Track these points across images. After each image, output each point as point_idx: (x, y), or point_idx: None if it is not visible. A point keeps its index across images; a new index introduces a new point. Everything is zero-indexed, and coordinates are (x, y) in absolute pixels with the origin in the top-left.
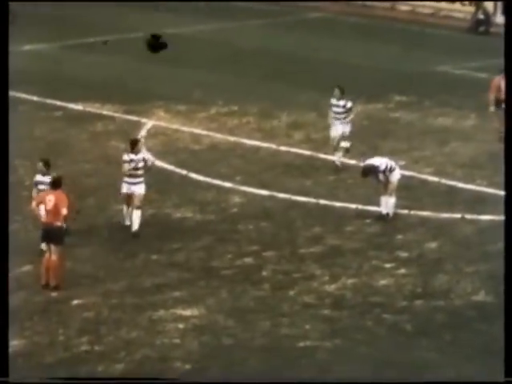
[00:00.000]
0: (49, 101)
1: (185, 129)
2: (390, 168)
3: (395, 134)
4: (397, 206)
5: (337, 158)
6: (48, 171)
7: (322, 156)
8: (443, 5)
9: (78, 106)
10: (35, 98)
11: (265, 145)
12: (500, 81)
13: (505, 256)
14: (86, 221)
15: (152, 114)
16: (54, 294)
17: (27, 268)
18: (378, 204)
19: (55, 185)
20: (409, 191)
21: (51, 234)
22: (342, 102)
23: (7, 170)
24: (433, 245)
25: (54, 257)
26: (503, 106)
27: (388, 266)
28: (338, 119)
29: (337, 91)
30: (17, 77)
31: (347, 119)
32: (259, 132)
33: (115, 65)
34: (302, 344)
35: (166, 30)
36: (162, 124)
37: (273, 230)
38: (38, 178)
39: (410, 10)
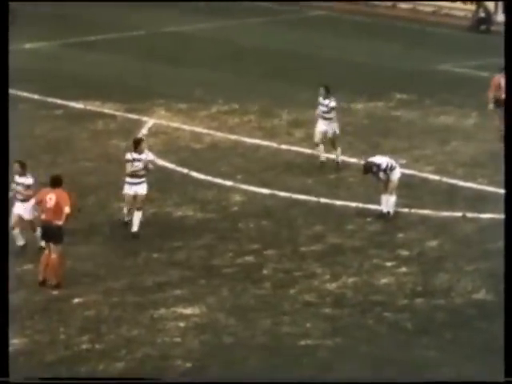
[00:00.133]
0: (50, 99)
1: (186, 127)
2: (391, 166)
3: (396, 133)
4: (397, 204)
5: (321, 153)
6: (24, 172)
7: (323, 154)
8: (444, 3)
9: (79, 105)
10: (36, 97)
11: (265, 143)
12: (500, 79)
13: (505, 255)
14: (87, 219)
15: (153, 112)
16: (54, 292)
17: (28, 267)
18: (378, 202)
19: (55, 183)
20: (409, 190)
21: (51, 233)
22: (326, 101)
23: (7, 170)
24: (433, 243)
25: (53, 255)
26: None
27: (389, 264)
28: (324, 118)
29: (322, 90)
30: (18, 75)
31: (332, 118)
32: (260, 130)
33: (116, 63)
34: (302, 342)
35: (167, 28)
36: (163, 122)
37: (273, 229)
38: (16, 179)
39: (411, 9)
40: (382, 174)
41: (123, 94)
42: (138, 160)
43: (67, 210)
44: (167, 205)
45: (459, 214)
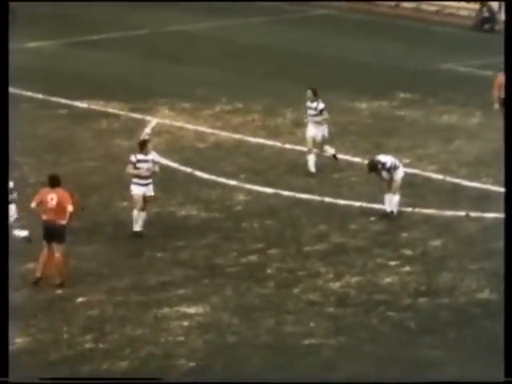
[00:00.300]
0: (53, 98)
1: (189, 126)
2: (394, 166)
3: (399, 132)
4: (401, 203)
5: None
6: None
7: (327, 153)
8: (448, 2)
9: (83, 104)
10: (40, 96)
11: (269, 143)
12: (503, 78)
13: (505, 254)
14: (91, 218)
15: (156, 111)
16: (58, 291)
17: (31, 265)
18: (382, 202)
19: (54, 183)
20: (413, 189)
21: (54, 232)
22: (314, 104)
23: (7, 170)
24: (437, 242)
25: (57, 254)
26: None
27: (392, 263)
28: (313, 122)
29: (309, 93)
30: (21, 74)
31: (321, 121)
32: (264, 130)
33: (120, 62)
34: (306, 342)
35: (170, 27)
36: (167, 122)
37: (277, 228)
38: None
39: (415, 8)
40: (384, 173)
41: (126, 93)
42: (144, 161)
43: (70, 208)
44: (171, 204)
45: (463, 213)
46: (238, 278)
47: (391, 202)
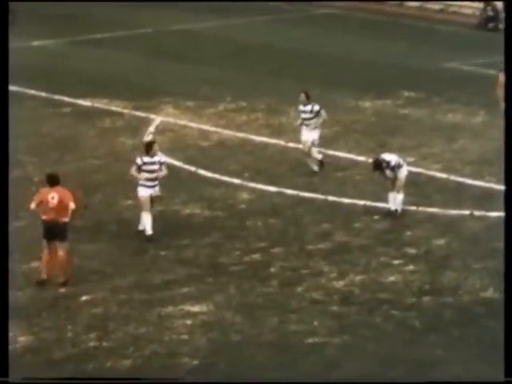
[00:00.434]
0: (57, 97)
1: (193, 125)
2: (398, 164)
3: (404, 131)
4: (405, 202)
5: (312, 161)
6: None
7: (331, 152)
8: (452, 1)
9: (87, 102)
10: (43, 94)
11: (273, 141)
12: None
13: (505, 254)
14: (94, 217)
15: (160, 110)
16: (61, 289)
17: (35, 264)
18: (386, 200)
19: (53, 182)
20: (417, 188)
21: (56, 230)
22: (308, 107)
23: (7, 170)
24: (441, 241)
25: (61, 252)
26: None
27: (396, 262)
28: (307, 125)
29: (302, 96)
30: (25, 73)
31: (316, 124)
32: (267, 128)
33: (123, 61)
34: (310, 340)
35: (174, 26)
36: (171, 120)
37: (281, 227)
38: None
39: (419, 7)
40: (388, 172)
41: (130, 91)
42: (151, 163)
43: (72, 205)
44: (174, 203)
45: (467, 212)
46: (242, 277)
47: (395, 201)
